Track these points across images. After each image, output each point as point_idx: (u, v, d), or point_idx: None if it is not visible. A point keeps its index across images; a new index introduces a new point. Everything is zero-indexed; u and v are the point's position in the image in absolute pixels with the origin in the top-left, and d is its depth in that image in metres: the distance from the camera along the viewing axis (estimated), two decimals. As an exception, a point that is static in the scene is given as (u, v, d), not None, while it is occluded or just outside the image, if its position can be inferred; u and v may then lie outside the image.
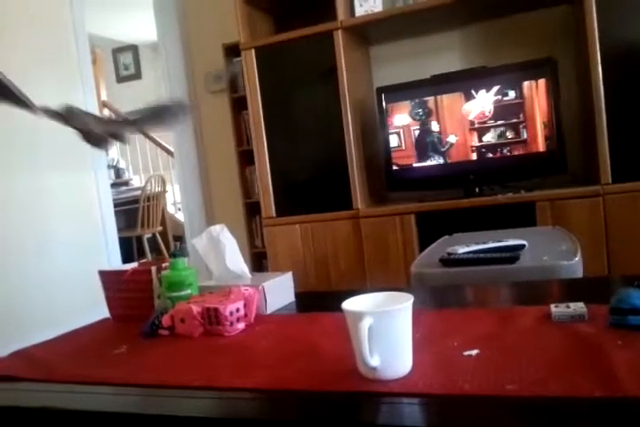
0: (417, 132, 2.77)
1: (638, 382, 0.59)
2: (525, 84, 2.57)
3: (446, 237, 1.96)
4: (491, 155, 2.66)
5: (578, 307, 0.83)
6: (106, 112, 5.86)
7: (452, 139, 2.71)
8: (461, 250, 1.47)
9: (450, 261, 1.44)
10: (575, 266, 1.32)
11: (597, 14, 2.37)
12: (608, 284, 1.24)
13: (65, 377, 0.82)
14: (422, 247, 2.11)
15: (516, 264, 1.35)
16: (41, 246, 2.78)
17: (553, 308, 0.84)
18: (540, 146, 2.58)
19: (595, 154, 2.47)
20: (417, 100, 2.75)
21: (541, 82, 2.54)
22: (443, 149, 2.73)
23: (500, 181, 2.68)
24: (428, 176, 2.79)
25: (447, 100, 2.71)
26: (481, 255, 1.42)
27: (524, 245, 1.49)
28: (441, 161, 2.74)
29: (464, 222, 2.48)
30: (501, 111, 2.61)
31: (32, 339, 1.06)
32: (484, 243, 1.50)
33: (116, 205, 3.43)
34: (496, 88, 2.61)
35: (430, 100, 2.74)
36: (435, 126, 2.73)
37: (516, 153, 2.61)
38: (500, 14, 2.82)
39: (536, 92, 2.55)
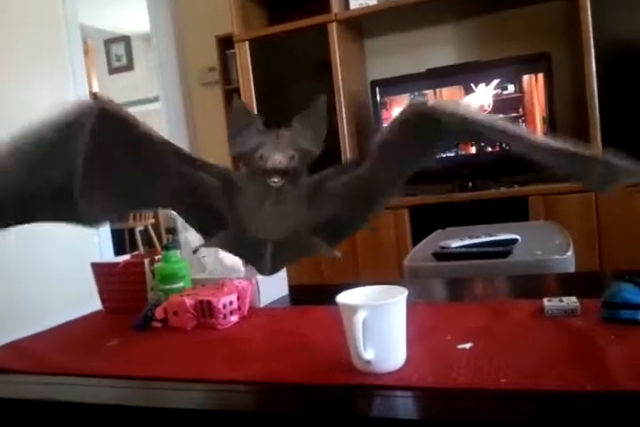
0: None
1: (630, 375, 0.59)
2: (520, 78, 2.57)
3: (439, 231, 1.96)
4: (487, 149, 2.66)
5: (570, 301, 0.83)
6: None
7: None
8: (454, 244, 1.47)
9: (443, 256, 1.44)
10: (567, 260, 1.33)
11: (592, 9, 2.37)
12: (600, 278, 1.24)
13: (57, 369, 0.82)
14: (415, 241, 2.11)
15: (509, 258, 1.36)
16: (32, 239, 2.75)
17: (546, 302, 0.84)
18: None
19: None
20: (416, 94, 2.75)
21: (536, 76, 2.54)
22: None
23: (493, 176, 2.68)
24: (422, 170, 2.78)
25: (444, 94, 2.71)
26: (474, 249, 1.42)
27: (516, 240, 1.50)
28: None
29: (457, 217, 2.48)
30: (499, 105, 2.61)
31: (24, 332, 1.05)
32: (478, 237, 1.50)
33: (108, 198, 3.41)
34: (491, 82, 2.61)
35: (427, 93, 2.73)
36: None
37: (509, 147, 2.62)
38: (495, 8, 2.82)
39: (530, 87, 2.55)
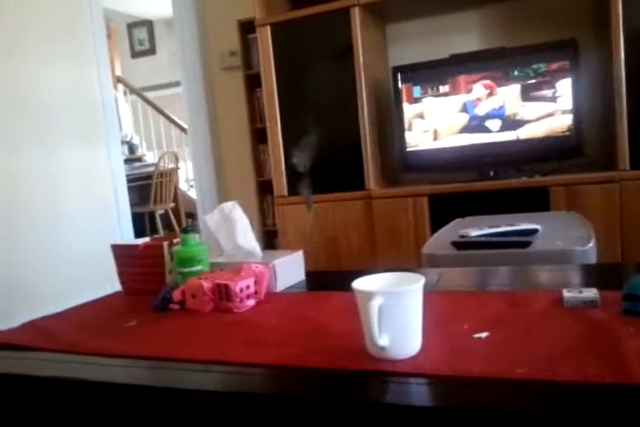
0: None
1: (649, 368, 0.58)
2: (546, 65, 2.52)
3: (459, 219, 1.94)
4: (509, 138, 2.62)
5: (590, 293, 0.82)
6: (121, 89, 5.85)
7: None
8: (474, 233, 1.46)
9: (462, 244, 1.43)
10: (589, 252, 1.31)
11: (623, -5, 2.31)
12: (621, 270, 1.22)
13: (75, 348, 0.83)
14: (434, 230, 2.10)
15: (529, 249, 1.34)
16: (54, 221, 2.80)
17: (565, 293, 0.83)
18: (559, 129, 2.54)
19: (613, 139, 2.42)
20: (437, 80, 2.71)
21: (562, 64, 2.49)
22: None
23: (514, 165, 2.65)
24: (443, 159, 2.76)
25: (466, 81, 2.67)
26: (494, 239, 1.41)
27: (537, 230, 1.48)
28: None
29: (477, 206, 2.46)
30: (524, 93, 2.57)
31: (44, 311, 1.07)
32: (497, 226, 1.48)
33: (129, 181, 3.45)
34: (516, 69, 2.56)
35: (450, 80, 2.69)
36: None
37: (532, 136, 2.58)
38: (522, -7, 2.76)
39: (556, 74, 2.50)
